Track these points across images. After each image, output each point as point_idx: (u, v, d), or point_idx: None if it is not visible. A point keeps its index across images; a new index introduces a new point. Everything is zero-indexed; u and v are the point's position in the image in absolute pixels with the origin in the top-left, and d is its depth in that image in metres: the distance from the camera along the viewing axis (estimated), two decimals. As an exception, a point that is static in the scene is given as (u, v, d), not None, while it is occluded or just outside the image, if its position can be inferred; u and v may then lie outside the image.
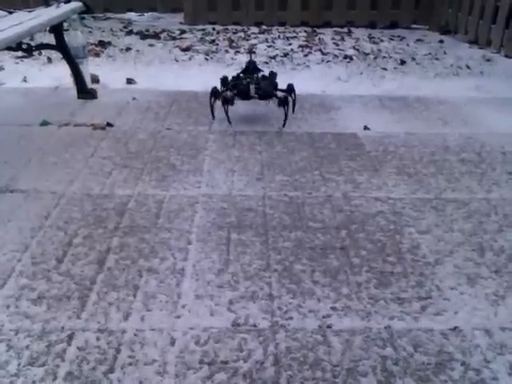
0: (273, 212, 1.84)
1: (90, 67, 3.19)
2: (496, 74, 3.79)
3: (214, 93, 2.65)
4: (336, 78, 3.55)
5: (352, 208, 1.89)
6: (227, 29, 5.10)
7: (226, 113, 2.58)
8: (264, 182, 2.05)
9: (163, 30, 4.90)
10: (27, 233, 1.65)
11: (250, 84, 2.60)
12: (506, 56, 4.37)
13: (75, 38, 2.92)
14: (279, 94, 2.66)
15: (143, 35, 4.64)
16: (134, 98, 2.97)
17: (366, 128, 2.63)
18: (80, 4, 2.78)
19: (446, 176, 2.16)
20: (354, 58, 4.10)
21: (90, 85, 3.09)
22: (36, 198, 1.86)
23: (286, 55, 4.07)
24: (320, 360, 1.22)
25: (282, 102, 2.58)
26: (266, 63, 3.80)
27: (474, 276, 1.54)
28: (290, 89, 2.70)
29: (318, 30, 5.28)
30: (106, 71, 3.45)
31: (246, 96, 2.61)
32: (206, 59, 3.89)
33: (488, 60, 4.27)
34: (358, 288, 1.47)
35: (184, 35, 4.78)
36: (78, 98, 2.94)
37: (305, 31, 5.10)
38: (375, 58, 4.17)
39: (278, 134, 2.55)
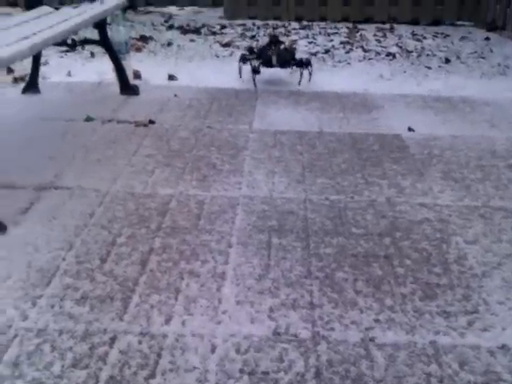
0: (314, 216, 1.81)
1: (132, 62, 3.23)
2: (547, 74, 3.64)
3: (243, 58, 3.28)
4: (378, 76, 3.47)
5: (396, 214, 1.84)
6: (267, 24, 5.07)
7: (254, 80, 3.18)
8: (305, 185, 2.03)
9: (203, 25, 4.90)
10: (72, 231, 1.68)
11: (272, 55, 3.17)
12: (558, 54, 4.19)
13: (118, 33, 2.95)
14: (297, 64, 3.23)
15: (184, 30, 4.66)
16: (175, 95, 2.98)
17: (410, 129, 2.57)
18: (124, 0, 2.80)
19: (494, 182, 2.09)
20: (396, 55, 4.00)
21: (132, 80, 3.12)
22: (80, 196, 1.89)
23: (327, 52, 4.01)
24: (363, 375, 1.19)
25: (300, 64, 3.17)
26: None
27: (525, 291, 1.48)
28: (308, 61, 3.24)
29: (360, 26, 5.18)
30: (147, 66, 3.47)
31: (269, 64, 3.18)
32: (247, 55, 3.87)
33: (538, 58, 4.10)
34: (403, 300, 1.43)
35: (224, 30, 4.77)
36: (121, 93, 2.97)
37: (346, 27, 5.02)
38: (419, 55, 4.06)
39: (319, 134, 2.51)
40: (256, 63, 3.20)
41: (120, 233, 1.68)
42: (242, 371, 1.18)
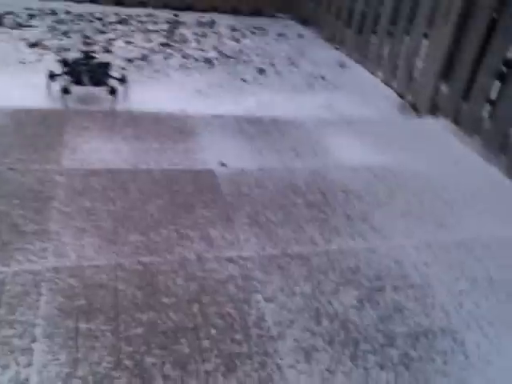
0: (125, 288, 1.83)
1: None
2: (347, 86, 4.05)
3: (51, 75, 3.11)
4: (196, 91, 3.52)
5: (205, 274, 1.95)
6: (82, 15, 4.72)
7: (65, 100, 3.04)
8: (117, 245, 2.02)
9: (8, 13, 4.38)
10: None
11: (83, 73, 3.07)
12: (356, 62, 4.68)
13: None
14: (111, 81, 3.14)
15: (-18, 19, 4.13)
16: (-30, 124, 2.67)
17: (222, 164, 2.68)
18: None
19: (293, 225, 2.31)
20: (214, 62, 4.07)
21: None
22: None
23: (144, 58, 3.91)
24: None
25: (112, 92, 3.09)
26: (124, 69, 3.62)
27: (310, 349, 1.71)
28: (123, 79, 3.22)
29: (181, 19, 5.13)
30: None
31: (80, 83, 3.08)
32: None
33: (341, 66, 4.53)
34: (207, 378, 1.56)
35: (32, 21, 4.33)
36: None
37: (167, 22, 4.92)
38: (236, 62, 4.19)
39: (133, 174, 2.49)
40: (66, 82, 3.03)
41: None
42: None
